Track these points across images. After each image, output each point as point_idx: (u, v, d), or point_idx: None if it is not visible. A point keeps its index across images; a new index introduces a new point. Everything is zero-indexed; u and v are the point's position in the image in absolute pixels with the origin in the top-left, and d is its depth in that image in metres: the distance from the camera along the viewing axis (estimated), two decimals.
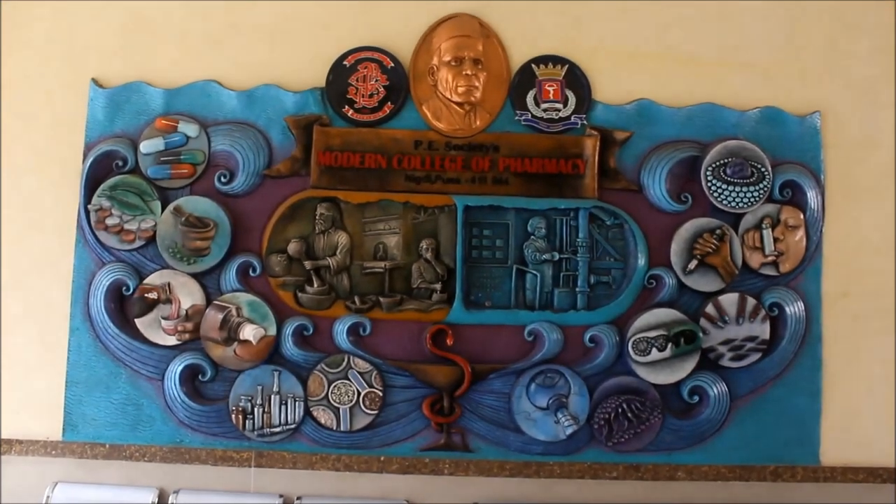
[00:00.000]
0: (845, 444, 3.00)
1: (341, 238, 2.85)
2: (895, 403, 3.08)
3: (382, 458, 2.83)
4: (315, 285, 2.81)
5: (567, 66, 2.95)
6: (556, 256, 2.85)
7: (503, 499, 2.84)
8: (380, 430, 2.83)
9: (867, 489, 2.97)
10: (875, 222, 3.10)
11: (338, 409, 2.80)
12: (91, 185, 2.82)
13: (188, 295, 2.78)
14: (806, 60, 3.11)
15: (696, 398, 2.88)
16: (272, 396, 2.78)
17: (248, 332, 2.76)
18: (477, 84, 2.88)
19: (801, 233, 2.97)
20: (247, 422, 2.77)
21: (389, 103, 2.89)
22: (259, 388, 2.79)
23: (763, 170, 2.93)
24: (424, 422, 2.83)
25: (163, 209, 2.80)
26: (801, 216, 2.98)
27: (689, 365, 2.85)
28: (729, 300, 2.90)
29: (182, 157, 2.82)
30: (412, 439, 2.84)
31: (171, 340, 2.78)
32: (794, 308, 2.95)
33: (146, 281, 2.78)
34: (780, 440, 2.95)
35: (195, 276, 2.80)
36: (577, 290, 2.87)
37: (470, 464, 2.83)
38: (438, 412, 2.82)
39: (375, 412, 2.81)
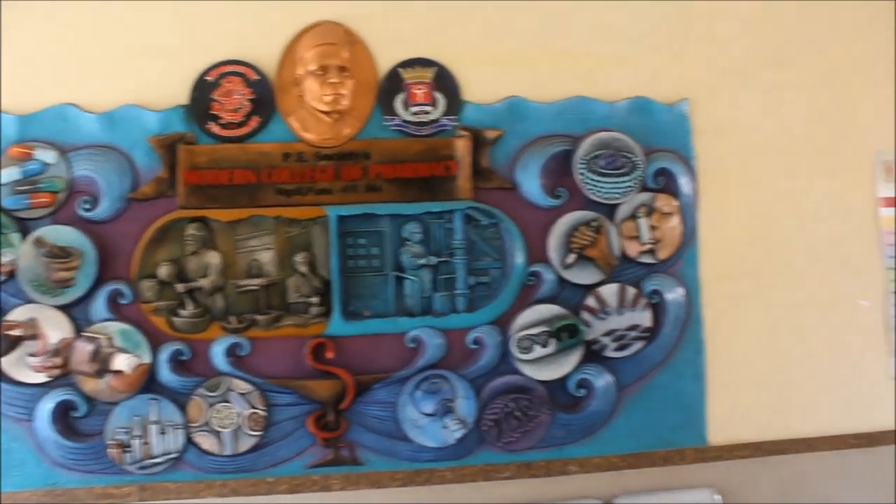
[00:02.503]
0: (730, 423, 3.06)
1: (213, 258, 2.79)
2: (775, 380, 3.11)
3: (270, 480, 2.78)
4: (189, 308, 2.74)
5: (435, 68, 2.93)
6: (434, 261, 2.84)
7: None
8: (266, 451, 2.78)
9: (753, 463, 3.03)
10: (747, 205, 3.18)
11: (220, 433, 2.72)
12: None
13: (55, 328, 2.69)
14: (672, 49, 3.18)
15: (584, 391, 2.90)
16: (151, 426, 2.70)
17: (122, 362, 2.69)
18: (344, 92, 2.85)
19: (676, 219, 3.01)
20: (126, 455, 2.70)
21: (256, 117, 2.84)
22: (136, 418, 2.71)
23: (635, 159, 2.97)
24: (311, 438, 2.79)
25: (23, 241, 2.64)
26: (675, 203, 3.02)
27: (574, 359, 2.87)
28: (609, 291, 2.92)
29: (41, 185, 2.73)
30: (300, 457, 2.80)
31: (40, 377, 2.70)
32: (674, 294, 2.99)
33: (9, 317, 2.66)
34: (668, 425, 3.00)
35: (62, 308, 2.71)
36: (457, 292, 2.86)
37: (360, 477, 2.81)
38: (324, 427, 2.79)
39: (260, 433, 2.76)
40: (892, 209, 3.45)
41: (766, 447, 3.12)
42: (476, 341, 2.89)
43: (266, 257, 2.88)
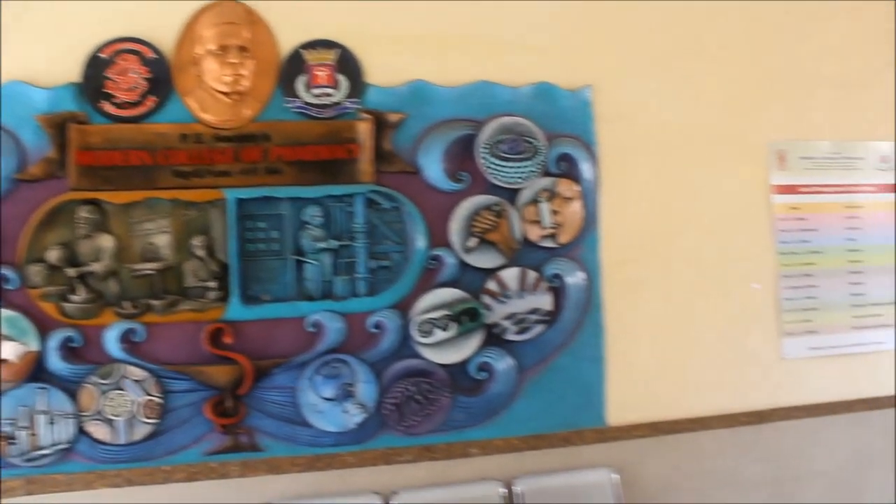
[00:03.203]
0: (628, 404, 3.14)
1: (106, 241, 2.72)
2: (672, 361, 3.21)
3: (167, 468, 2.74)
4: (80, 293, 2.68)
5: (338, 50, 2.92)
6: (335, 244, 2.83)
7: (297, 496, 2.82)
8: (162, 439, 2.74)
9: (650, 443, 3.12)
10: (647, 191, 3.25)
11: (114, 421, 2.66)
12: None
13: None
14: (576, 36, 3.23)
15: (485, 374, 2.93)
16: (38, 416, 2.63)
17: (7, 350, 2.60)
18: (244, 72, 2.81)
19: (577, 204, 3.07)
20: (11, 448, 2.59)
21: (152, 96, 2.77)
22: (23, 409, 2.63)
23: (538, 144, 3.01)
24: (208, 425, 2.76)
25: None
26: (577, 188, 3.07)
27: (475, 342, 2.90)
28: (510, 275, 2.96)
29: None
30: (197, 444, 2.76)
31: None
32: (575, 278, 3.06)
33: None
34: (568, 407, 3.06)
35: None
36: (358, 276, 2.87)
37: (260, 463, 2.78)
38: (223, 414, 2.76)
39: (155, 420, 2.72)
40: (785, 196, 3.57)
41: (663, 427, 3.22)
42: (377, 325, 2.89)
43: (162, 241, 2.82)
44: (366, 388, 2.87)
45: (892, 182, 3.85)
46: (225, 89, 2.86)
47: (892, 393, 3.67)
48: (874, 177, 3.82)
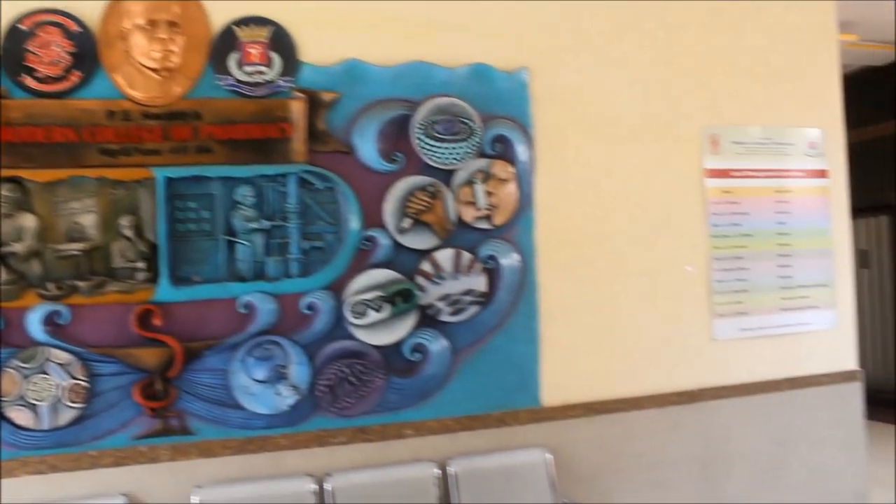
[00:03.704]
0: (563, 384, 3.18)
1: (28, 221, 2.66)
2: (606, 342, 3.26)
3: (94, 453, 2.68)
4: (1, 274, 2.57)
5: (271, 27, 2.89)
6: (267, 224, 2.81)
7: (228, 479, 2.75)
8: (88, 424, 2.69)
9: (583, 423, 3.18)
10: (582, 173, 3.29)
11: (37, 406, 2.59)
12: None
13: None
14: (513, 18, 3.22)
15: (419, 355, 2.95)
16: None
17: None
18: (174, 48, 2.76)
19: (512, 186, 3.09)
20: None
21: (77, 71, 2.70)
22: None
23: (473, 126, 3.02)
24: (137, 409, 2.72)
25: None
26: (512, 170, 3.10)
27: (409, 323, 2.91)
28: (444, 256, 2.97)
29: None
30: (125, 428, 2.72)
31: None
32: (510, 259, 3.08)
33: None
34: (503, 388, 3.08)
35: None
36: (291, 257, 2.85)
37: (190, 447, 2.75)
38: (152, 397, 2.73)
39: (81, 405, 2.67)
40: (717, 180, 3.65)
41: (596, 407, 3.27)
42: (310, 306, 2.88)
43: (88, 220, 2.76)
44: (299, 370, 2.86)
45: (820, 168, 3.96)
46: (154, 65, 2.81)
47: (818, 372, 3.78)
48: (803, 162, 3.93)
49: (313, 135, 2.91)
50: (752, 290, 3.72)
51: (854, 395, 3.93)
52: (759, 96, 3.75)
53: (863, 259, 7.12)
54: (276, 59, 2.92)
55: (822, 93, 3.96)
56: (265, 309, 2.83)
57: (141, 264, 2.77)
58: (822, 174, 3.97)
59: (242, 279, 2.85)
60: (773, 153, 3.85)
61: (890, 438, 5.86)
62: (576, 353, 3.26)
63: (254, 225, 2.85)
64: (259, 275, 2.87)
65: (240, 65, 2.88)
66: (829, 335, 3.88)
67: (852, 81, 6.74)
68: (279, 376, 2.83)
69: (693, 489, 3.48)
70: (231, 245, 2.86)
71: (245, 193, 2.84)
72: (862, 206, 6.46)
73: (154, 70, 2.80)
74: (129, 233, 2.77)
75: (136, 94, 2.79)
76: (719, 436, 3.56)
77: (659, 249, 3.46)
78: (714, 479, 3.54)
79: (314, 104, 2.91)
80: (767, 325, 3.76)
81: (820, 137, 3.92)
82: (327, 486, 2.83)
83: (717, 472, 3.55)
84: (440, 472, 2.95)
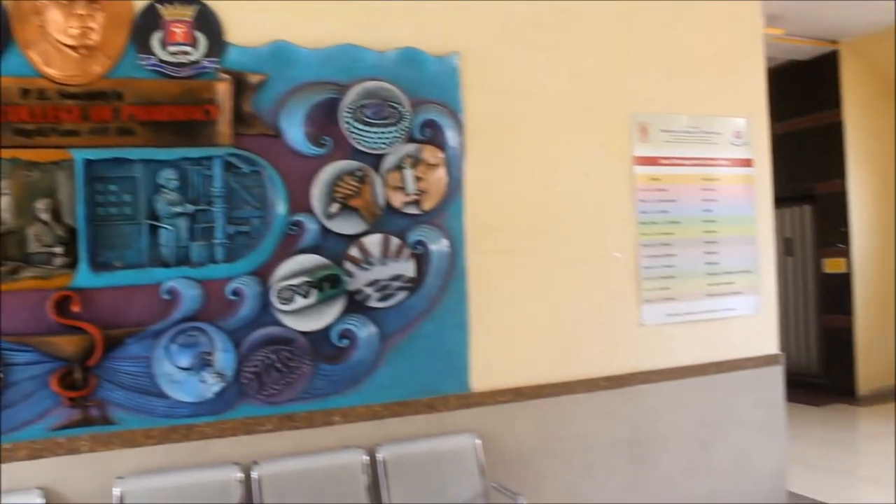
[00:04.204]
0: (492, 370, 3.20)
1: None
2: (535, 328, 3.29)
3: (8, 446, 2.63)
4: None
5: (196, 6, 2.84)
6: (191, 209, 2.77)
7: (152, 469, 2.71)
8: (2, 416, 2.62)
9: (512, 407, 3.20)
10: (512, 160, 3.31)
11: None
12: None
13: None
14: (444, 2, 3.20)
15: (347, 341, 2.94)
16: None
17: None
18: (93, 25, 2.69)
19: (441, 171, 3.10)
20: None
21: None
22: None
23: (403, 110, 3.02)
24: (55, 398, 2.66)
25: None
26: (442, 155, 3.11)
27: (336, 309, 2.90)
28: (373, 241, 2.97)
29: None
30: (42, 419, 2.65)
31: None
32: (439, 245, 3.09)
33: None
34: (432, 374, 3.10)
35: None
36: (216, 242, 2.81)
37: (111, 437, 2.70)
38: (71, 386, 2.66)
39: None
40: (646, 167, 3.72)
41: (526, 392, 3.32)
42: (235, 292, 2.85)
43: (2, 203, 2.66)
44: (224, 357, 2.83)
45: (746, 157, 4.07)
46: (71, 42, 2.73)
47: (742, 356, 3.90)
48: (729, 151, 4.04)
49: (239, 117, 2.87)
50: (679, 277, 3.81)
51: (775, 377, 4.06)
52: (686, 86, 3.84)
53: (787, 247, 7.35)
54: (202, 39, 2.87)
55: (747, 84, 4.07)
56: (189, 295, 2.79)
57: (59, 249, 2.70)
58: (747, 163, 4.08)
59: (166, 264, 2.81)
60: (700, 142, 3.94)
61: (808, 419, 6.08)
62: (505, 338, 3.28)
63: (178, 209, 2.80)
64: (183, 260, 2.82)
65: (163, 44, 2.83)
66: (753, 320, 4.00)
67: (778, 75, 6.96)
68: (204, 363, 2.79)
69: (623, 471, 3.57)
70: (154, 229, 2.81)
71: (168, 177, 2.79)
72: (787, 196, 6.68)
73: (72, 47, 2.72)
74: (45, 216, 2.69)
75: (53, 72, 2.71)
76: (648, 419, 3.64)
77: (588, 236, 3.51)
78: (643, 460, 3.62)
79: (240, 86, 2.87)
80: (694, 311, 3.86)
81: (745, 127, 4.03)
82: (254, 474, 2.81)
83: (646, 453, 3.63)
84: (369, 458, 2.94)
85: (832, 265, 6.86)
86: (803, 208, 7.13)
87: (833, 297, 6.85)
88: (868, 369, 6.61)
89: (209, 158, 2.83)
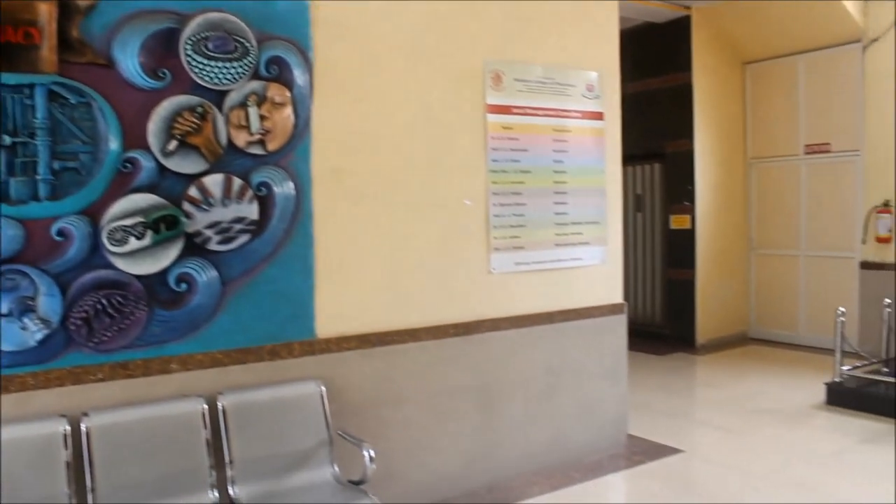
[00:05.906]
0: (338, 316, 3.20)
1: None
2: (384, 274, 3.32)
3: None
4: None
5: None
6: (8, 140, 2.58)
7: None
8: None
9: (359, 355, 3.23)
10: (363, 102, 3.31)
11: None
12: None
13: None
14: None
15: (185, 286, 2.88)
16: None
17: None
18: None
19: (288, 110, 3.05)
20: None
21: None
22: None
23: (248, 45, 2.94)
24: None
25: None
26: (288, 94, 3.06)
27: (174, 252, 2.83)
28: (214, 181, 2.90)
29: None
30: None
31: None
32: (284, 187, 3.05)
33: None
34: (276, 320, 3.07)
35: None
36: (39, 178, 2.65)
37: None
38: None
39: None
40: (498, 116, 3.79)
41: (372, 339, 3.35)
42: (61, 233, 2.71)
43: None
44: (48, 302, 2.70)
45: (597, 110, 4.21)
46: None
47: (588, 305, 4.08)
48: (581, 104, 4.17)
49: (66, 43, 2.71)
50: (528, 226, 3.93)
51: (619, 326, 4.28)
52: (541, 36, 3.93)
53: (637, 203, 7.71)
54: None
55: (601, 37, 4.21)
56: (8, 235, 2.64)
57: None
58: (598, 116, 4.23)
59: None
60: (554, 93, 4.05)
61: (652, 367, 6.47)
62: (352, 284, 3.29)
63: None
64: (1, 197, 2.64)
65: None
66: (599, 270, 4.19)
67: (635, 35, 7.24)
68: (25, 309, 2.66)
69: (470, 418, 3.68)
70: None
71: None
72: (639, 154, 6.99)
73: None
74: None
75: None
76: (495, 366, 3.76)
77: (438, 182, 3.56)
78: (490, 407, 3.75)
79: (66, 9, 2.71)
80: (542, 260, 4.00)
81: (597, 80, 4.17)
82: (83, 426, 2.70)
83: (493, 400, 3.76)
84: (209, 407, 2.89)
85: (678, 221, 7.26)
86: (654, 166, 7.49)
87: (678, 252, 7.26)
88: (706, 321, 7.08)
89: (30, 86, 2.67)
